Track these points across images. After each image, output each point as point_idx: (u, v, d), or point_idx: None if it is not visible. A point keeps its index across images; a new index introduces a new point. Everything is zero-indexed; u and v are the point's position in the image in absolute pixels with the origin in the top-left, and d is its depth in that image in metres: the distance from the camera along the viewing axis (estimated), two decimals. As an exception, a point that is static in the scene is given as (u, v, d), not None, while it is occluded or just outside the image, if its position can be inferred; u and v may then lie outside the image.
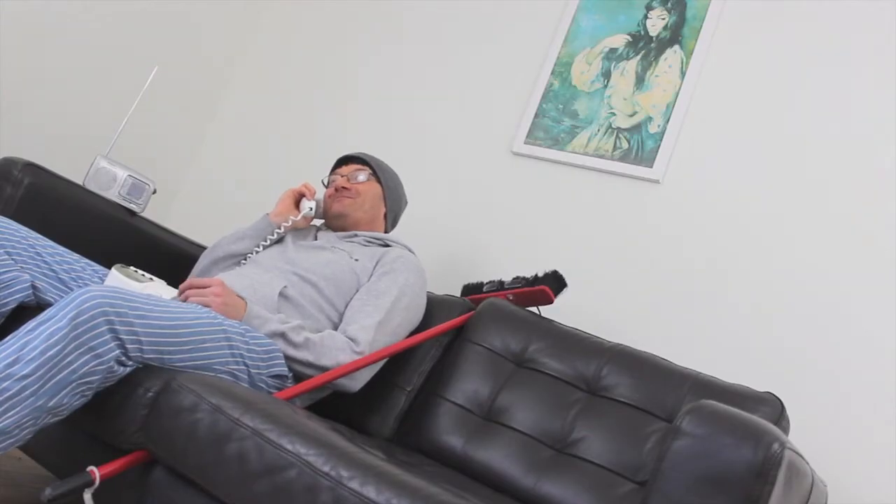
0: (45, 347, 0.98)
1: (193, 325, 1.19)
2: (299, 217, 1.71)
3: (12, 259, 1.29)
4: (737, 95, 1.90)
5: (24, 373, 0.97)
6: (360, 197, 1.74)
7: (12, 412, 0.96)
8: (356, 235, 1.71)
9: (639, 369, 1.47)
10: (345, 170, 1.78)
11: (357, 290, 1.58)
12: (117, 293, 1.06)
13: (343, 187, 1.73)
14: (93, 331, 1.01)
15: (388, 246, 1.71)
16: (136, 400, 1.07)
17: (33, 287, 1.31)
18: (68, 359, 0.99)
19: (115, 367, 1.05)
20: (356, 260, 1.60)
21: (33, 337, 0.99)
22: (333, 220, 1.75)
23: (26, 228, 1.36)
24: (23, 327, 1.02)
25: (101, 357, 1.02)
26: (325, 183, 1.80)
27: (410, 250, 1.74)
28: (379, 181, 1.77)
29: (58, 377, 0.99)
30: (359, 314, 1.50)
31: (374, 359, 1.44)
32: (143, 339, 1.08)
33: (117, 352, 1.04)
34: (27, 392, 0.97)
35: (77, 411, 1.04)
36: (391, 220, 1.82)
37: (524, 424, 1.46)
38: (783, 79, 1.85)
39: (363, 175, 1.75)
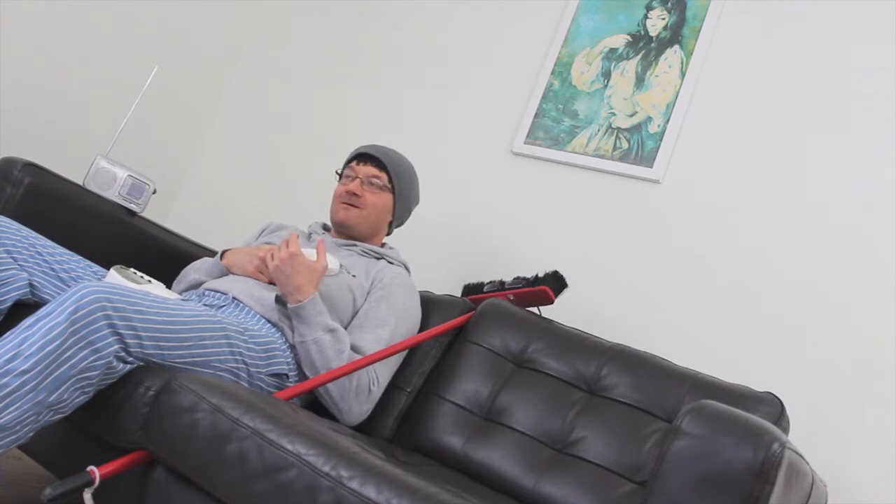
0: (43, 343, 0.98)
1: (193, 323, 1.19)
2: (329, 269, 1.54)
3: (12, 258, 1.29)
4: (737, 95, 1.90)
5: (23, 368, 0.97)
6: (367, 209, 1.66)
7: (13, 407, 0.96)
8: (355, 245, 1.68)
9: (639, 369, 1.47)
10: (362, 170, 1.67)
11: (353, 306, 1.54)
12: (115, 289, 1.07)
13: (354, 193, 1.65)
14: (91, 325, 1.01)
15: (383, 259, 1.67)
16: (137, 399, 1.07)
17: (32, 285, 1.31)
18: (67, 354, 0.99)
19: (115, 364, 1.06)
20: (353, 276, 1.57)
21: (32, 333, 1.00)
22: (334, 225, 1.72)
23: (27, 228, 1.36)
24: (21, 323, 1.02)
25: (100, 352, 1.03)
26: (340, 174, 1.73)
27: (406, 266, 1.72)
28: (392, 190, 1.70)
29: (57, 372, 0.99)
30: (361, 349, 1.47)
31: (368, 361, 1.43)
32: (142, 334, 1.08)
33: (116, 347, 1.05)
34: (27, 387, 0.97)
35: (78, 410, 1.05)
36: (396, 225, 1.78)
37: (524, 424, 1.46)
38: (783, 78, 1.85)
39: (378, 183, 1.67)
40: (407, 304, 1.58)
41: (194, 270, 1.65)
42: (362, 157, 1.71)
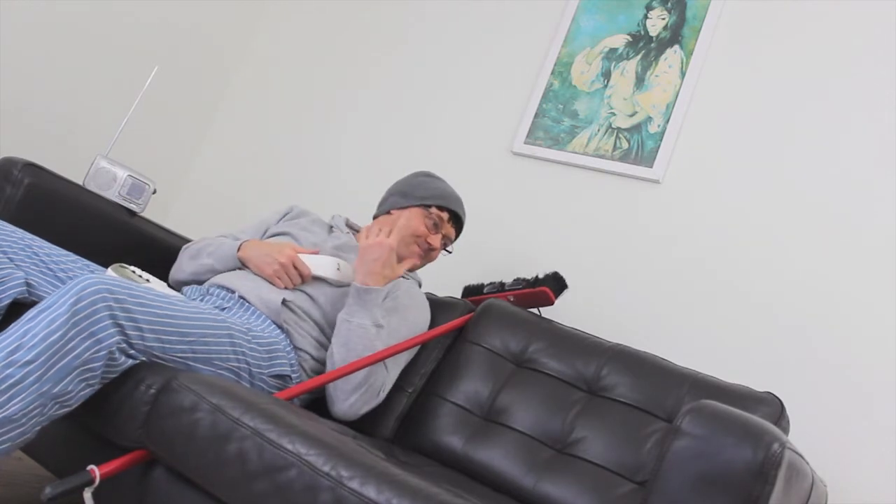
0: (46, 334, 0.99)
1: (196, 319, 1.20)
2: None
3: (8, 258, 1.29)
4: (737, 95, 1.90)
5: (26, 359, 0.97)
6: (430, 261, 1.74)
7: (18, 398, 0.96)
8: None
9: (639, 369, 1.47)
10: (446, 228, 1.72)
11: None
12: (116, 281, 1.07)
13: (433, 249, 1.69)
14: (93, 316, 1.02)
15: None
16: (138, 397, 1.07)
17: (29, 284, 1.31)
18: (70, 344, 1.00)
19: (118, 356, 1.06)
20: None
21: (34, 324, 1.00)
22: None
23: (21, 230, 1.36)
24: (23, 316, 1.02)
25: (102, 343, 1.03)
26: (427, 206, 1.70)
27: (419, 282, 1.74)
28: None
29: (60, 363, 0.99)
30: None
31: (367, 362, 1.42)
32: (143, 326, 1.09)
33: (117, 338, 1.05)
34: (31, 378, 0.97)
35: (78, 408, 1.05)
36: None
37: (524, 424, 1.46)
38: (783, 78, 1.85)
39: (448, 245, 1.75)
40: (417, 318, 1.60)
41: (208, 255, 1.61)
42: (453, 215, 1.74)
